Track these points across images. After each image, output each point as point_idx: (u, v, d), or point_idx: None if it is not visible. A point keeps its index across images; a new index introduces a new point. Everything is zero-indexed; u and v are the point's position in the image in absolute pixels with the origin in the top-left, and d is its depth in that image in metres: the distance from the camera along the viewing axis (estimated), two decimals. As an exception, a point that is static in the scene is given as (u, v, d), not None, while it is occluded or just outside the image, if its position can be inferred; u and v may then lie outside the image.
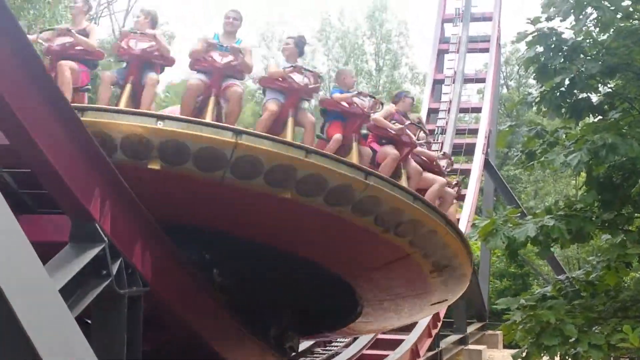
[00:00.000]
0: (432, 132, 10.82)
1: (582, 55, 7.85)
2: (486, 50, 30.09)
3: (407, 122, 9.23)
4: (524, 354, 7.78)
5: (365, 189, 7.59)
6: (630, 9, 7.75)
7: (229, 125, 7.40)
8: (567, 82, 7.83)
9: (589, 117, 8.43)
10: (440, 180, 9.61)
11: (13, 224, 3.65)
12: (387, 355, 16.36)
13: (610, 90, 8.34)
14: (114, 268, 5.96)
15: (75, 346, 3.45)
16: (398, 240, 8.21)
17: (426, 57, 36.76)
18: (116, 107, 7.61)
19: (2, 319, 2.99)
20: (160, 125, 6.88)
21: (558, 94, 8.00)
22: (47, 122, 5.18)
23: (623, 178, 8.05)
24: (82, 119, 6.17)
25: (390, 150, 8.87)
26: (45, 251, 4.40)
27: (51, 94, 5.22)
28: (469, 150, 26.38)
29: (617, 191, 8.00)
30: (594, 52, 7.90)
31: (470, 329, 25.64)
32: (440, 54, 29.88)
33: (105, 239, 5.85)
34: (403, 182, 8.67)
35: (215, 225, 7.73)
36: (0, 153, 5.71)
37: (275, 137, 7.47)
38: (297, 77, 8.40)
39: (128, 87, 8.27)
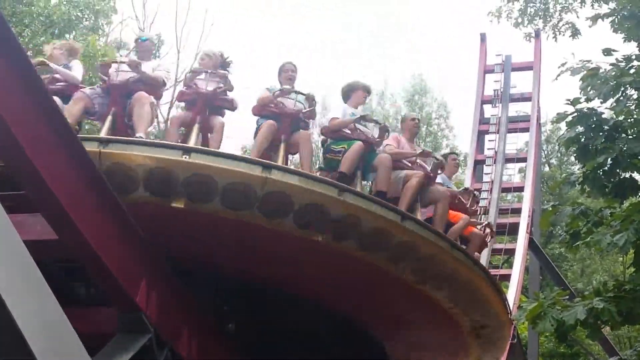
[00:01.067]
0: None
1: (623, 135, 7.83)
2: (526, 129, 30.06)
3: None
4: None
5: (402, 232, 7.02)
6: (671, 90, 7.75)
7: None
8: (609, 161, 7.79)
9: (633, 196, 8.34)
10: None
11: (61, 316, 3.70)
12: None
13: (654, 169, 8.27)
14: (161, 358, 5.96)
15: None
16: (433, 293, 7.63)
17: (466, 138, 36.84)
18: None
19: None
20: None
21: (601, 173, 7.95)
22: (94, 213, 5.26)
23: (672, 257, 7.90)
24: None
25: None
26: (94, 342, 4.45)
27: (96, 181, 5.30)
28: (513, 229, 26.10)
29: (667, 271, 7.84)
30: (636, 131, 7.87)
31: (521, 413, 24.88)
32: (481, 134, 30.01)
33: (152, 328, 5.86)
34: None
35: (237, 271, 7.24)
36: (50, 247, 5.79)
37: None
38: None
39: None
